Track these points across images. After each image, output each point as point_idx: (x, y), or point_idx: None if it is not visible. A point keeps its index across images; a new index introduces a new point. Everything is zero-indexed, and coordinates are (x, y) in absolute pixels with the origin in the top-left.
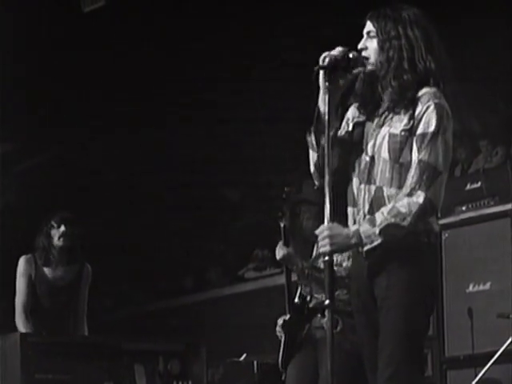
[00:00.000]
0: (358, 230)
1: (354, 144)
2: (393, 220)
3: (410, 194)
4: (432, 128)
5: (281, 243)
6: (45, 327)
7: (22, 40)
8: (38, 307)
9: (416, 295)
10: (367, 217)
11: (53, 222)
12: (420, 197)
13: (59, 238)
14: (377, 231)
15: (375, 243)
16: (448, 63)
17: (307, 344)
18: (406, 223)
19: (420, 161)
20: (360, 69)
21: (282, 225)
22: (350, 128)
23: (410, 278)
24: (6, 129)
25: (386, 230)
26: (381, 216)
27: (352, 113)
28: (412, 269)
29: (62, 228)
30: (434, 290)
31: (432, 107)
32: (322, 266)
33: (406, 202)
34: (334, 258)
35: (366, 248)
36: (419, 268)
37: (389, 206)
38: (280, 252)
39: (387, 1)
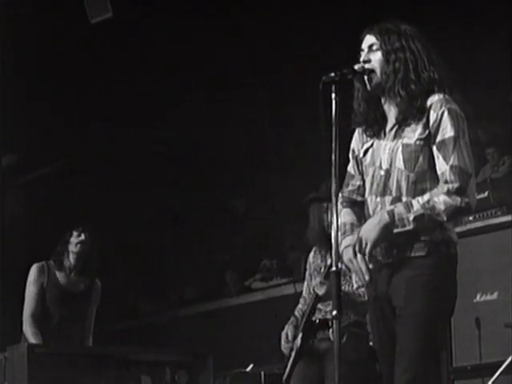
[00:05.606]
0: (392, 211)
1: (367, 166)
2: (428, 212)
3: (447, 194)
4: (452, 133)
5: (320, 279)
6: (52, 336)
7: (28, 51)
8: (47, 315)
9: (434, 305)
10: (404, 200)
11: (74, 231)
12: (457, 200)
13: (76, 245)
14: (411, 217)
15: (406, 228)
16: (449, 75)
17: (311, 356)
18: (440, 219)
19: (452, 166)
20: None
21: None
22: (362, 154)
23: (428, 287)
24: (11, 140)
25: (419, 219)
26: (417, 204)
27: (357, 140)
28: (431, 278)
29: (82, 237)
30: (453, 299)
31: (446, 113)
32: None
33: (442, 199)
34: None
35: (396, 230)
36: (438, 278)
37: (425, 197)
38: (322, 289)
39: (384, 17)
